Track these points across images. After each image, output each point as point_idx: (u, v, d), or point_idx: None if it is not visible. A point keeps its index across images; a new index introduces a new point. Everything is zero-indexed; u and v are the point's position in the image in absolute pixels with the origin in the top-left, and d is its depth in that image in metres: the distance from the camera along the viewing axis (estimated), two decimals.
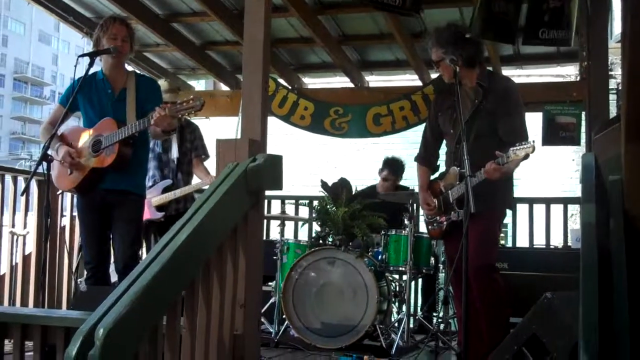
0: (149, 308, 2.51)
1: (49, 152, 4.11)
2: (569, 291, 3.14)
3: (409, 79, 7.99)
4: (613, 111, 6.69)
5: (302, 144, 11.89)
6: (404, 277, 5.42)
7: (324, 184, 5.69)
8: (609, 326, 2.12)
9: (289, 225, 6.93)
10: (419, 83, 7.41)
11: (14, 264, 5.64)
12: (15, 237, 5.57)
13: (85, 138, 4.33)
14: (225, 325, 3.09)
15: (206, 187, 4.68)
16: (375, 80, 8.16)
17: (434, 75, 7.21)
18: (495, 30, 4.94)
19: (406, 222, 5.29)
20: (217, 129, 6.94)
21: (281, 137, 10.43)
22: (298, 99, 7.41)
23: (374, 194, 6.31)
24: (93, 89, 4.39)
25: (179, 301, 2.75)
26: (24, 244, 5.68)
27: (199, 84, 9.15)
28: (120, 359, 2.35)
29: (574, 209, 8.89)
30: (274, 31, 6.43)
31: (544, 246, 6.42)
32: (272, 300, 5.51)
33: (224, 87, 8.22)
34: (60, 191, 5.20)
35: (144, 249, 5.49)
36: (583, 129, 6.55)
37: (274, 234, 6.69)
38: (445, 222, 4.41)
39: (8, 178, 5.61)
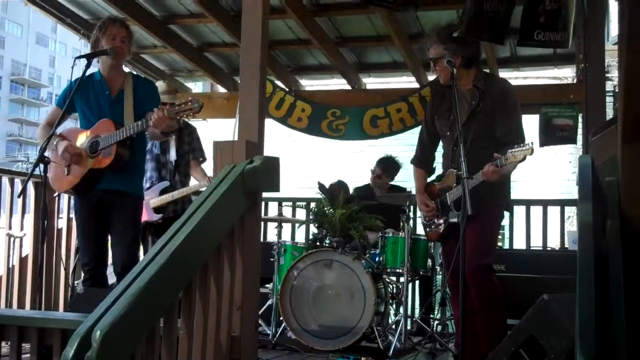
0: (146, 310, 2.51)
1: (47, 153, 4.11)
2: (566, 293, 3.14)
3: (406, 81, 7.99)
4: (610, 113, 6.70)
5: (299, 146, 11.90)
6: (401, 279, 5.42)
7: (321, 186, 5.69)
8: (605, 328, 2.12)
9: (286, 227, 6.93)
10: (416, 85, 7.42)
11: (11, 266, 5.63)
12: (12, 239, 5.56)
13: (82, 139, 4.33)
14: (223, 327, 3.09)
15: (204, 189, 4.69)
16: (372, 82, 8.17)
17: (431, 77, 7.22)
18: (484, 29, 4.95)
19: (403, 223, 5.30)
20: (214, 130, 6.95)
21: (278, 139, 10.43)
22: (295, 101, 7.42)
23: (371, 195, 6.32)
24: (90, 90, 4.39)
25: (176, 303, 2.75)
26: (21, 246, 5.68)
27: (196, 86, 9.15)
28: None
29: (571, 211, 8.92)
30: (271, 33, 6.44)
31: (541, 248, 6.42)
32: (269, 302, 5.51)
33: (221, 89, 8.23)
34: (57, 193, 5.19)
35: (142, 251, 5.48)
36: (580, 130, 6.56)
37: (271, 236, 6.70)
38: (442, 225, 4.41)
39: (5, 180, 5.61)
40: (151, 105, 4.38)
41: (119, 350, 2.34)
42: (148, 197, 5.37)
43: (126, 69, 4.76)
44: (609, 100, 7.70)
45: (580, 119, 6.55)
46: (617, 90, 6.90)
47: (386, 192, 6.50)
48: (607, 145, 3.23)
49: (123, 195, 4.31)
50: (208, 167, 5.19)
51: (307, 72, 8.01)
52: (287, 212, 7.07)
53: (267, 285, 5.73)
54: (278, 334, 5.23)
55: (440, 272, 5.87)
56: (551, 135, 6.68)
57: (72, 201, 5.06)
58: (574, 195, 3.95)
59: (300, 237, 6.91)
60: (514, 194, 4.64)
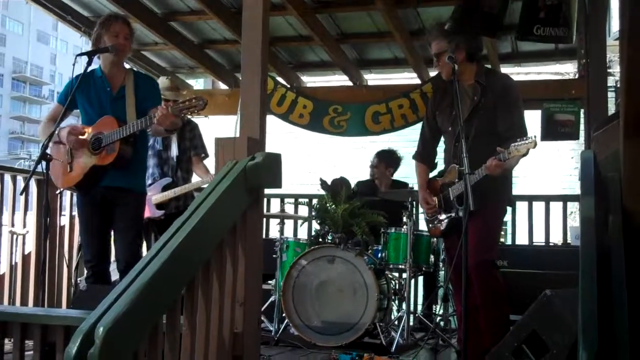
0: (149, 307, 2.52)
1: (49, 150, 4.11)
2: (569, 288, 3.14)
3: (407, 77, 7.98)
4: (612, 109, 6.70)
5: (301, 143, 11.91)
6: (404, 275, 5.42)
7: (323, 182, 5.69)
8: (608, 323, 2.12)
9: (289, 224, 6.93)
10: (418, 81, 7.41)
11: (13, 263, 5.64)
12: (14, 236, 5.57)
13: (84, 135, 4.33)
14: (225, 324, 3.10)
15: (206, 185, 4.69)
16: (373, 78, 8.16)
17: (432, 73, 7.22)
18: (476, 22, 4.95)
19: (405, 220, 5.30)
20: (215, 127, 6.94)
21: (280, 135, 10.43)
22: (297, 97, 7.41)
23: (373, 191, 6.31)
24: (92, 87, 4.39)
25: (178, 300, 2.76)
26: (24, 243, 5.68)
27: (198, 83, 9.14)
28: (120, 357, 2.35)
29: (574, 207, 8.91)
30: (272, 30, 6.43)
31: (544, 244, 6.43)
32: (271, 299, 5.51)
33: (223, 86, 8.22)
34: (59, 190, 5.20)
35: (145, 247, 5.49)
36: (582, 126, 6.56)
37: (274, 233, 6.69)
38: (445, 220, 4.41)
39: (7, 177, 5.61)
40: (152, 102, 4.39)
41: (121, 346, 2.34)
42: (150, 194, 5.37)
43: (127, 66, 4.76)
44: (611, 95, 7.71)
45: (582, 115, 6.54)
46: (618, 85, 6.90)
47: (388, 186, 6.49)
48: (609, 140, 3.23)
49: (126, 191, 4.32)
50: (210, 163, 5.20)
51: (308, 68, 8.00)
52: (289, 208, 7.07)
53: (269, 282, 5.74)
54: (281, 330, 5.24)
55: (443, 268, 5.87)
56: (553, 130, 6.68)
57: (75, 198, 5.06)
58: (577, 190, 3.94)
59: (302, 234, 6.92)
60: (517, 190, 4.64)
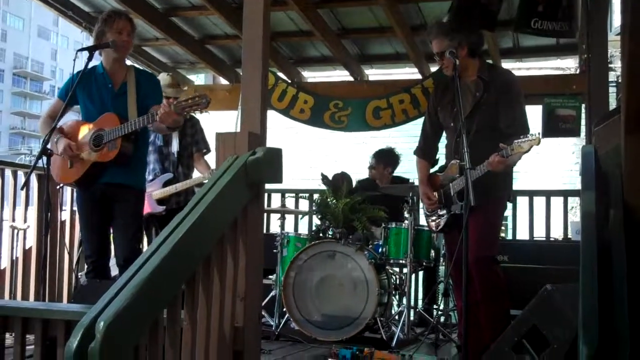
0: (150, 301, 2.52)
1: (49, 146, 4.11)
2: (569, 283, 3.14)
3: (408, 72, 7.98)
4: (613, 104, 6.68)
5: (302, 138, 11.90)
6: (404, 270, 5.43)
7: (324, 177, 5.69)
8: (608, 318, 2.12)
9: (289, 219, 6.95)
10: (419, 76, 7.40)
11: (14, 258, 5.65)
12: (15, 231, 5.57)
13: (85, 132, 4.33)
14: (226, 318, 3.10)
15: (206, 181, 4.69)
16: (374, 73, 8.15)
17: (433, 69, 7.21)
18: (474, 14, 4.94)
19: (406, 214, 5.30)
20: (216, 122, 6.93)
21: (281, 130, 10.42)
22: (297, 92, 7.40)
23: (374, 186, 6.32)
24: (93, 83, 4.38)
25: (179, 294, 2.76)
26: (25, 238, 5.69)
27: (198, 78, 9.14)
28: (121, 352, 2.35)
29: (574, 202, 8.91)
30: (273, 25, 6.42)
31: (544, 239, 6.43)
32: (272, 294, 5.52)
33: (224, 81, 8.22)
34: (60, 185, 5.20)
35: (145, 243, 5.49)
36: (583, 121, 6.55)
37: (274, 227, 6.70)
38: (445, 215, 4.41)
39: (8, 172, 5.62)
40: (154, 99, 4.39)
41: (122, 341, 2.34)
42: (151, 189, 5.37)
43: (128, 62, 4.76)
44: (612, 90, 7.69)
45: (583, 110, 6.54)
46: (620, 80, 6.88)
47: (388, 183, 6.49)
48: (610, 135, 3.22)
49: (126, 188, 4.32)
50: (211, 158, 5.20)
51: (309, 63, 8.00)
52: (290, 203, 7.08)
53: (270, 277, 5.74)
54: (281, 325, 5.25)
55: (443, 263, 5.88)
56: (554, 127, 6.68)
57: (75, 193, 5.06)
58: (577, 185, 3.95)
59: (303, 229, 6.92)
60: (517, 185, 4.65)
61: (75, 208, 5.83)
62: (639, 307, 2.23)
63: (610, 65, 7.49)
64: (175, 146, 5.65)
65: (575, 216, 8.80)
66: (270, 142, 3.62)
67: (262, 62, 3.60)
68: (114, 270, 4.61)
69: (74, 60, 4.24)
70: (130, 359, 2.39)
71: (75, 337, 2.30)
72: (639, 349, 2.12)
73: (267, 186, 3.76)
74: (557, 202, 6.75)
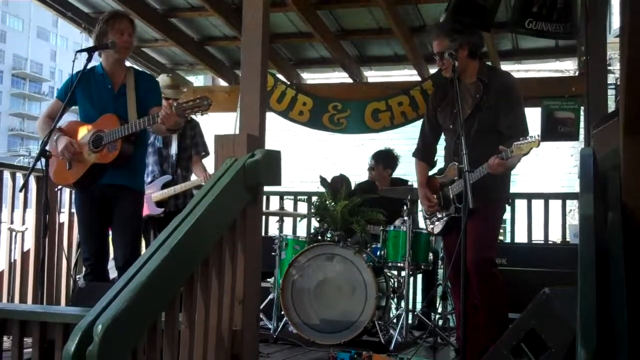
0: (148, 304, 2.51)
1: (48, 147, 4.10)
2: (568, 286, 3.14)
3: (407, 74, 7.98)
4: (612, 106, 6.69)
5: (301, 140, 11.90)
6: (403, 273, 5.42)
7: (322, 180, 5.69)
8: (607, 321, 2.12)
9: (288, 221, 6.94)
10: (418, 78, 7.41)
11: (12, 260, 5.64)
12: (13, 233, 5.57)
13: (84, 133, 4.32)
14: (224, 321, 3.09)
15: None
16: (373, 75, 8.15)
17: (432, 70, 7.21)
18: (470, 15, 4.94)
19: (405, 217, 5.29)
20: (215, 124, 6.94)
21: (280, 132, 10.44)
22: (296, 94, 7.40)
23: (373, 189, 6.31)
24: (92, 84, 4.38)
25: (177, 297, 2.75)
26: (23, 240, 5.68)
27: (198, 80, 9.14)
28: (119, 355, 2.35)
29: (573, 205, 8.90)
30: (273, 26, 6.43)
31: (543, 242, 6.43)
32: (270, 297, 5.51)
33: (223, 83, 8.22)
34: (58, 187, 5.19)
35: (144, 245, 5.48)
36: (582, 124, 6.55)
37: (273, 230, 6.70)
38: (444, 218, 4.41)
39: (6, 174, 5.61)
40: (153, 100, 4.39)
41: (120, 344, 2.34)
42: (150, 191, 5.37)
43: (127, 63, 4.76)
44: (611, 93, 7.70)
45: (582, 112, 6.54)
46: (618, 83, 6.88)
47: (388, 185, 6.48)
48: (609, 138, 3.22)
49: (125, 189, 4.31)
50: (210, 161, 5.20)
51: (308, 65, 8.00)
52: (288, 206, 7.07)
53: (268, 280, 5.73)
54: (279, 328, 5.24)
55: (442, 266, 5.87)
56: (553, 130, 6.67)
57: (74, 195, 5.06)
58: (576, 188, 3.94)
59: (301, 231, 6.92)
60: (516, 188, 4.65)
61: (73, 210, 5.82)
62: (637, 310, 2.22)
63: (609, 68, 7.48)
64: (174, 148, 5.64)
65: (573, 219, 8.79)
66: (269, 144, 3.62)
67: (261, 63, 3.60)
68: (113, 273, 4.61)
69: (73, 61, 4.23)
70: None
71: (73, 340, 2.29)
72: (638, 353, 2.12)
73: (266, 188, 3.76)
74: (555, 205, 6.75)
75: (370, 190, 6.07)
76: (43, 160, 4.05)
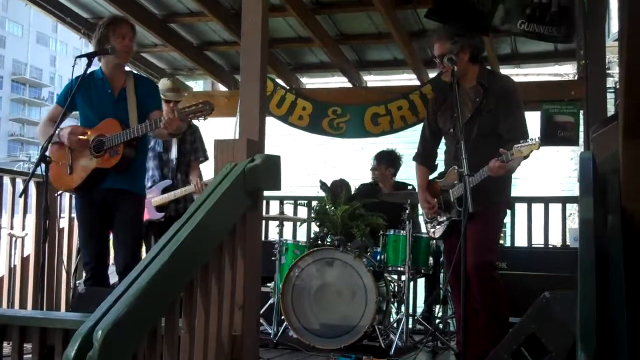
0: (148, 309, 2.51)
1: (48, 152, 4.11)
2: (568, 290, 3.14)
3: (406, 79, 7.99)
4: (611, 110, 6.70)
5: (301, 145, 11.89)
6: (403, 278, 5.42)
7: (322, 184, 5.69)
8: (607, 324, 2.12)
9: (288, 226, 6.94)
10: (417, 82, 7.41)
11: (12, 265, 5.63)
12: (13, 239, 5.56)
13: (85, 136, 4.32)
14: (224, 326, 3.09)
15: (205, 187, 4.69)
16: (373, 80, 8.16)
17: (431, 75, 7.22)
18: (468, 20, 4.95)
19: (405, 222, 5.29)
20: (215, 129, 6.94)
21: (279, 137, 10.43)
22: (296, 99, 7.41)
23: (374, 192, 6.31)
24: (92, 89, 4.38)
25: (177, 302, 2.75)
26: (23, 245, 5.67)
27: (197, 85, 9.15)
28: None
29: (573, 208, 8.91)
30: (272, 31, 6.43)
31: (543, 245, 6.42)
32: (270, 301, 5.51)
33: (222, 88, 8.22)
34: (58, 192, 5.19)
35: (144, 250, 5.48)
36: (581, 127, 6.55)
37: (273, 235, 6.70)
38: (445, 222, 4.41)
39: (6, 180, 5.61)
40: (154, 104, 4.40)
41: (120, 350, 2.34)
42: (150, 196, 5.37)
43: (127, 68, 4.77)
44: (610, 96, 7.71)
45: (581, 116, 6.54)
46: (617, 86, 6.89)
47: (391, 187, 6.48)
48: (608, 141, 3.22)
49: (126, 194, 4.31)
50: (209, 165, 5.21)
51: (307, 70, 8.00)
52: (288, 210, 7.07)
53: (268, 284, 5.73)
54: (279, 333, 5.23)
55: (442, 270, 5.87)
56: (553, 135, 6.67)
57: (74, 200, 5.06)
58: (575, 192, 3.96)
59: (301, 236, 6.91)
60: (516, 192, 4.64)
61: (74, 215, 5.82)
62: (637, 313, 2.22)
63: (608, 72, 7.49)
64: (174, 153, 5.64)
65: (573, 223, 8.79)
66: (269, 149, 3.62)
67: (260, 68, 3.61)
68: (113, 278, 4.60)
69: (73, 66, 4.25)
70: None
71: (73, 346, 2.29)
72: (637, 356, 2.12)
73: (266, 193, 3.75)
74: (555, 208, 6.74)
75: (372, 193, 6.07)
76: (43, 165, 4.06)
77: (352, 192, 6.41)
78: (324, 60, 7.56)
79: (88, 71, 4.27)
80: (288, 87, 7.60)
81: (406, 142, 7.84)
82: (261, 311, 4.68)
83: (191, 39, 7.33)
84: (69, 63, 4.36)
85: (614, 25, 8.60)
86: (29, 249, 5.67)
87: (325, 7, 6.44)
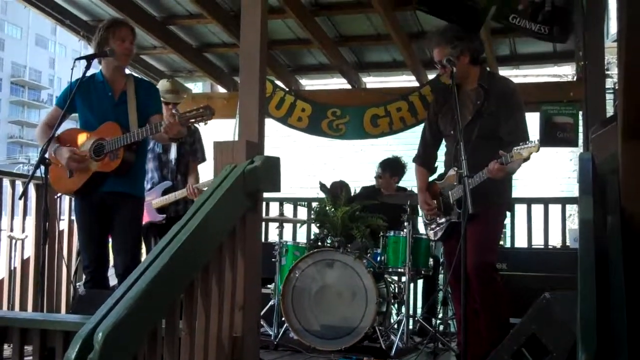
0: (148, 311, 2.52)
1: (47, 155, 4.11)
2: (568, 291, 3.14)
3: (406, 80, 7.99)
4: (610, 110, 6.70)
5: (300, 146, 11.90)
6: (403, 279, 5.42)
7: (322, 186, 5.69)
8: (607, 325, 2.12)
9: (288, 227, 6.94)
10: (416, 84, 7.41)
11: (12, 268, 5.63)
12: (13, 241, 5.56)
13: (83, 140, 4.32)
14: (225, 328, 3.10)
15: (205, 188, 4.69)
16: (372, 81, 8.16)
17: (431, 76, 7.22)
18: (457, 15, 4.94)
19: (405, 223, 5.29)
20: (214, 131, 6.94)
21: (279, 139, 10.43)
22: (295, 100, 7.41)
23: (374, 195, 6.32)
24: (92, 92, 4.38)
25: (177, 304, 2.76)
26: (23, 248, 5.68)
27: (196, 87, 9.14)
28: None
29: (572, 209, 8.91)
30: (271, 33, 6.43)
31: (543, 246, 6.42)
32: (271, 303, 5.51)
33: (221, 90, 8.22)
34: (58, 194, 5.19)
35: (144, 251, 5.48)
36: (580, 128, 6.56)
37: (273, 236, 6.70)
38: (445, 224, 4.41)
39: (6, 182, 5.61)
40: (154, 107, 4.40)
41: (121, 351, 2.34)
42: (150, 198, 5.37)
43: (127, 71, 4.77)
44: (609, 97, 7.70)
45: (580, 117, 6.54)
46: (616, 87, 6.90)
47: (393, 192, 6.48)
48: (608, 142, 3.22)
49: (126, 196, 4.31)
50: (209, 167, 5.21)
51: (306, 71, 8.00)
52: (288, 212, 7.07)
53: (268, 286, 5.73)
54: (280, 334, 5.23)
55: (442, 271, 5.87)
56: (552, 136, 6.67)
57: (73, 202, 5.06)
58: (575, 193, 3.97)
59: (301, 237, 6.91)
60: (516, 193, 4.64)
61: (73, 217, 5.82)
62: (637, 314, 2.23)
63: (607, 72, 7.51)
64: (173, 154, 5.64)
65: (573, 224, 8.79)
66: (268, 151, 3.63)
67: (259, 70, 3.61)
68: (113, 280, 4.60)
69: (72, 68, 4.25)
70: None
71: (73, 348, 2.30)
72: (638, 356, 2.12)
73: (265, 195, 3.76)
74: (555, 209, 6.75)
75: (371, 196, 6.07)
76: (43, 167, 4.06)
77: (352, 194, 6.41)
78: (323, 61, 7.56)
79: (87, 74, 4.27)
80: (287, 89, 7.60)
81: (405, 143, 7.85)
82: (262, 312, 4.68)
83: (190, 41, 7.33)
84: (68, 65, 4.35)
85: (612, 26, 8.60)
86: (29, 251, 5.67)
87: (324, 8, 6.44)
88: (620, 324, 2.13)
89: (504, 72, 7.06)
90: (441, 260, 5.76)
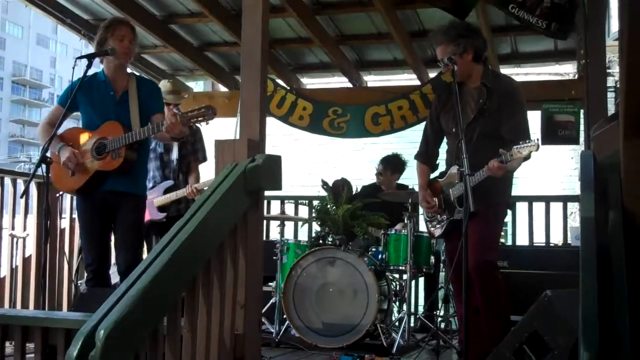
0: (150, 309, 2.52)
1: (48, 153, 4.11)
2: (569, 289, 3.14)
3: (407, 79, 7.99)
4: (611, 109, 6.70)
5: (301, 145, 11.90)
6: (404, 276, 5.42)
7: (324, 184, 5.69)
8: (609, 322, 2.12)
9: (289, 226, 6.94)
10: (417, 82, 7.41)
11: (14, 266, 5.64)
12: (15, 239, 5.57)
13: (85, 139, 4.32)
14: (226, 326, 3.10)
15: (205, 188, 4.69)
16: (373, 80, 8.17)
17: (432, 74, 7.22)
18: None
19: (406, 221, 5.30)
20: (215, 129, 6.95)
21: (280, 137, 10.44)
22: (296, 99, 7.41)
23: (375, 192, 6.32)
24: (94, 91, 4.38)
25: (179, 302, 2.76)
26: (24, 246, 5.68)
27: (197, 85, 9.15)
28: None
29: (574, 207, 8.91)
30: (272, 31, 6.44)
31: (544, 244, 6.42)
32: (272, 301, 5.51)
33: (223, 88, 8.23)
34: (59, 193, 5.19)
35: (145, 250, 5.48)
36: (582, 127, 6.56)
37: (274, 234, 6.70)
38: (445, 221, 4.41)
39: (7, 180, 5.62)
40: (156, 106, 4.40)
41: (122, 349, 2.35)
42: (152, 196, 5.37)
43: (128, 70, 4.77)
44: (611, 96, 7.71)
45: (581, 115, 6.54)
46: (618, 85, 6.90)
47: (393, 190, 6.48)
48: (609, 140, 3.22)
49: (127, 195, 4.31)
50: (210, 166, 5.21)
51: (308, 70, 8.01)
52: (289, 210, 7.07)
53: (270, 284, 5.74)
54: (281, 332, 5.24)
55: (444, 269, 5.87)
56: (553, 134, 6.68)
57: (75, 201, 5.07)
58: (576, 191, 3.97)
59: (303, 235, 6.92)
60: (517, 191, 4.65)
61: (75, 216, 5.83)
62: (639, 311, 2.23)
63: (608, 71, 7.49)
64: (175, 153, 5.64)
65: (574, 221, 8.79)
66: (269, 149, 3.63)
67: (260, 69, 3.61)
68: (114, 278, 4.61)
69: (73, 67, 4.25)
70: None
71: (75, 346, 2.30)
72: (639, 354, 2.12)
73: (267, 193, 3.76)
74: (556, 207, 6.75)
75: (372, 194, 6.08)
76: (44, 166, 4.06)
77: (354, 193, 6.41)
78: (325, 60, 7.57)
79: (89, 73, 4.28)
80: (288, 88, 7.61)
81: (407, 141, 7.85)
82: (263, 310, 4.69)
83: (191, 40, 7.34)
84: (69, 64, 4.36)
85: (614, 24, 8.61)
86: (31, 250, 5.68)
87: (326, 7, 6.45)
88: (621, 322, 2.13)
89: (505, 70, 7.06)
90: (442, 257, 5.76)
